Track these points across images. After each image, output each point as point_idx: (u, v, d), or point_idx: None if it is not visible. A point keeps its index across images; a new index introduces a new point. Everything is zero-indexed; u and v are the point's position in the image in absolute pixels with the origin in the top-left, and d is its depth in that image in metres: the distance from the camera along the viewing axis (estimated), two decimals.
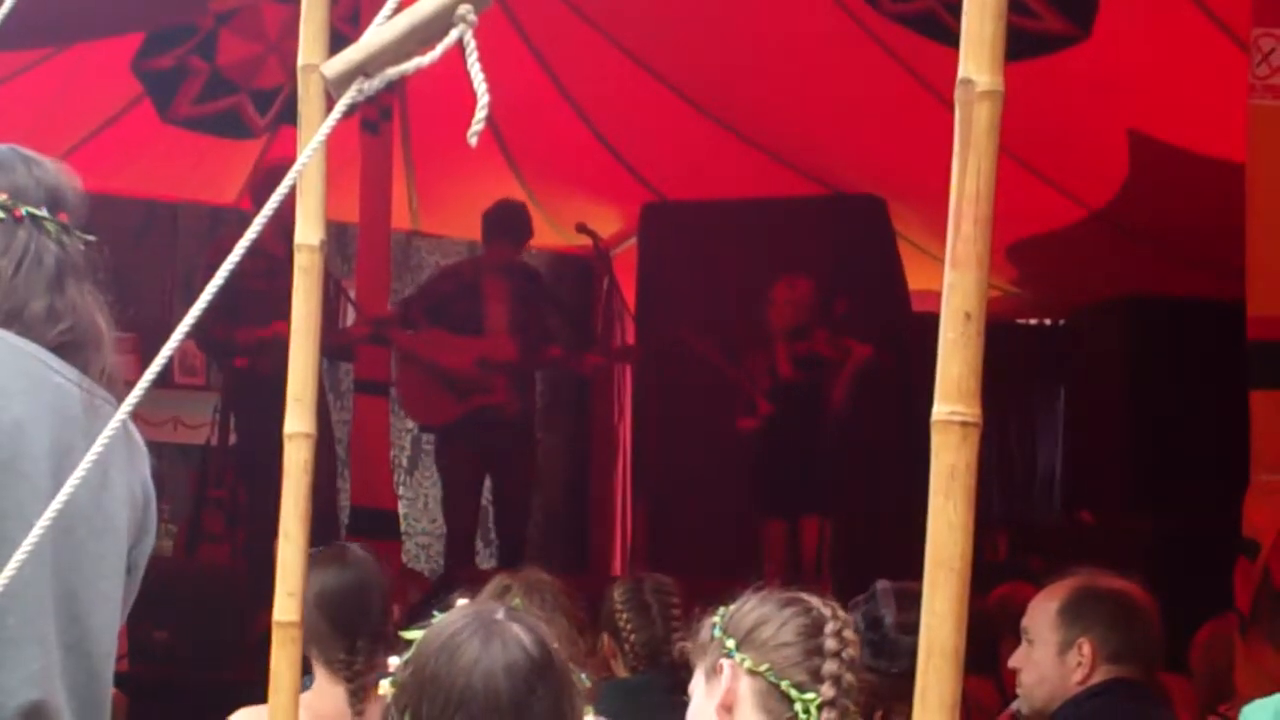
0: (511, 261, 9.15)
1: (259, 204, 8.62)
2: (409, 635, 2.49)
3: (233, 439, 8.73)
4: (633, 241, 10.54)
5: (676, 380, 9.64)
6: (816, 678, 2.77)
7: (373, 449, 8.95)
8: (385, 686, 2.47)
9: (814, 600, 2.88)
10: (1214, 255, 8.29)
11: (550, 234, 10.38)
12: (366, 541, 8.38)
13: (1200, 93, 7.55)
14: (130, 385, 1.84)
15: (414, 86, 9.18)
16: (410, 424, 12.56)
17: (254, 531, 8.03)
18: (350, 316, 9.32)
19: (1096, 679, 3.88)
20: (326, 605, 4.00)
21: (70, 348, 2.42)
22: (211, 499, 8.78)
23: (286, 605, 2.53)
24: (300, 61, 2.48)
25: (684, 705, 2.95)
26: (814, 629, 2.82)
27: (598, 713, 3.16)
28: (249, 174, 9.88)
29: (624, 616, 4.64)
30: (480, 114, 1.79)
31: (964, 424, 1.72)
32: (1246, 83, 5.74)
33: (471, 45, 1.78)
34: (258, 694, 3.90)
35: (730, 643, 2.82)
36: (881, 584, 4.01)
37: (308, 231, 2.51)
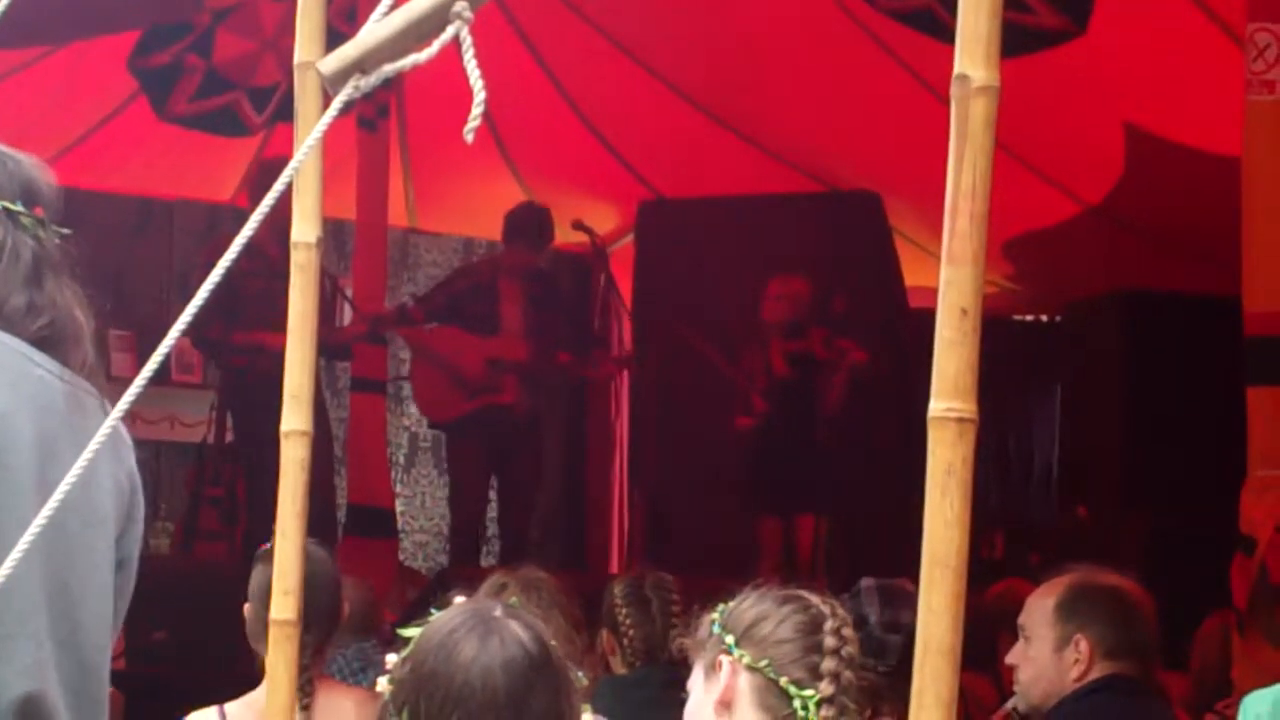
0: (530, 265, 9.14)
1: (255, 200, 8.58)
2: (406, 633, 2.49)
3: (229, 437, 8.73)
4: (629, 239, 10.54)
5: (673, 379, 9.65)
6: (815, 675, 2.77)
7: (370, 447, 8.95)
8: (383, 684, 2.47)
9: (813, 597, 2.88)
10: (1210, 250, 8.29)
11: None
12: (363, 540, 8.48)
13: (1196, 88, 7.55)
14: (117, 381, 1.84)
15: (411, 83, 9.18)
16: (407, 421, 12.57)
17: (251, 529, 8.04)
18: (347, 315, 9.32)
19: (1093, 675, 3.88)
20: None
21: (50, 341, 2.43)
22: (208, 497, 8.77)
23: (283, 603, 2.53)
24: (297, 59, 2.48)
25: (682, 702, 2.95)
26: (813, 626, 2.82)
27: (595, 709, 3.16)
28: (245, 171, 9.88)
29: (624, 612, 4.63)
30: (477, 111, 1.79)
31: (960, 420, 1.72)
32: (1242, 78, 5.74)
33: (468, 42, 1.78)
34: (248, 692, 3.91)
35: (729, 639, 2.82)
36: (865, 582, 4.01)
37: (304, 229, 2.51)
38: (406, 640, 2.47)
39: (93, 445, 1.84)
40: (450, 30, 1.78)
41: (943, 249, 1.75)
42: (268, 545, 4.27)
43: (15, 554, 1.81)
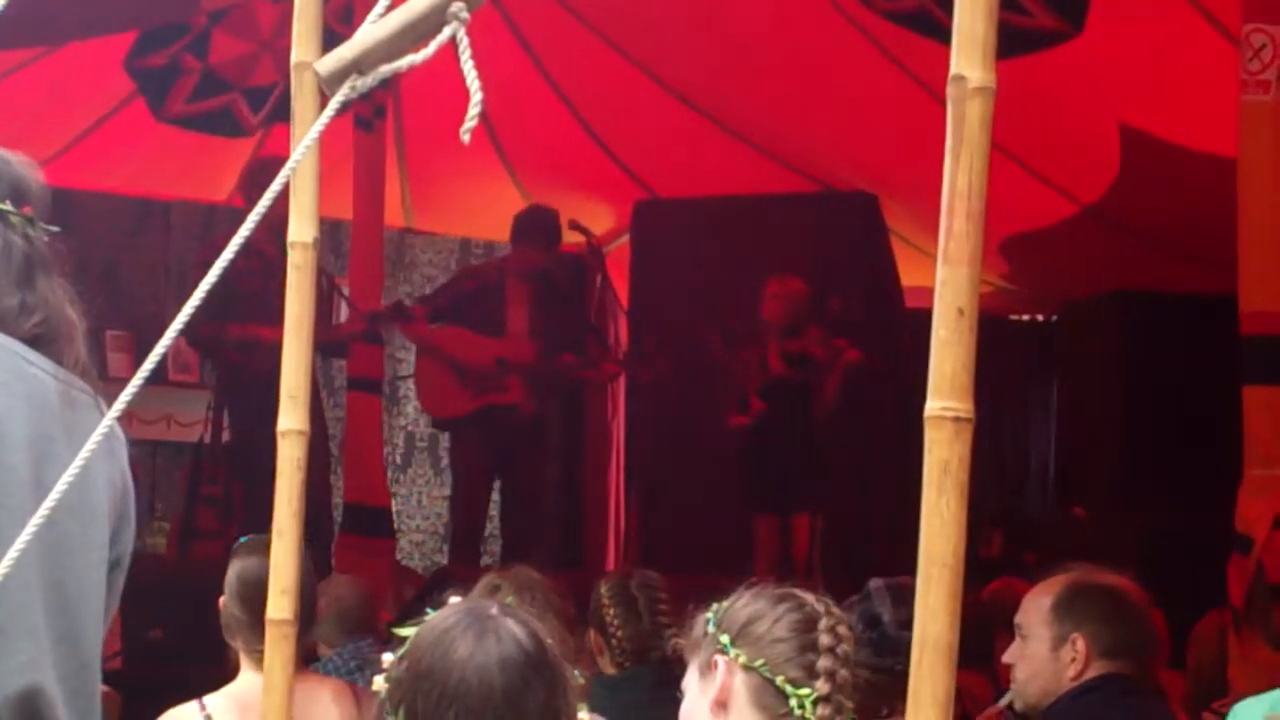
0: (538, 267, 9.16)
1: (248, 197, 8.58)
2: (402, 632, 2.49)
3: (226, 436, 8.73)
4: (625, 239, 10.54)
5: (670, 379, 9.65)
6: (811, 673, 2.78)
7: (366, 446, 8.94)
8: (379, 683, 2.47)
9: (807, 596, 2.89)
10: (1206, 250, 8.30)
11: None
12: (359, 539, 8.48)
13: (1192, 88, 7.56)
14: (114, 381, 1.84)
15: (407, 84, 9.19)
16: (404, 421, 12.57)
17: (247, 529, 8.03)
18: (344, 314, 9.32)
19: (1090, 674, 3.88)
20: (246, 595, 3.99)
21: (43, 340, 2.44)
22: (204, 496, 8.77)
23: (280, 603, 2.53)
24: (294, 59, 2.48)
25: (672, 701, 2.96)
26: (808, 625, 2.82)
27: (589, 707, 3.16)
28: (242, 172, 9.87)
29: (611, 613, 4.62)
30: (473, 111, 1.79)
31: (957, 419, 1.73)
32: (1238, 78, 5.74)
33: (465, 42, 1.78)
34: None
35: (724, 639, 2.83)
36: (875, 582, 4.02)
37: (301, 229, 2.52)
38: (402, 639, 2.47)
39: (89, 445, 1.85)
40: (447, 31, 1.79)
41: (939, 249, 1.75)
42: (244, 540, 4.28)
43: (13, 552, 1.81)
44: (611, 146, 10.13)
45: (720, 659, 2.82)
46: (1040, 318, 11.36)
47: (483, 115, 1.80)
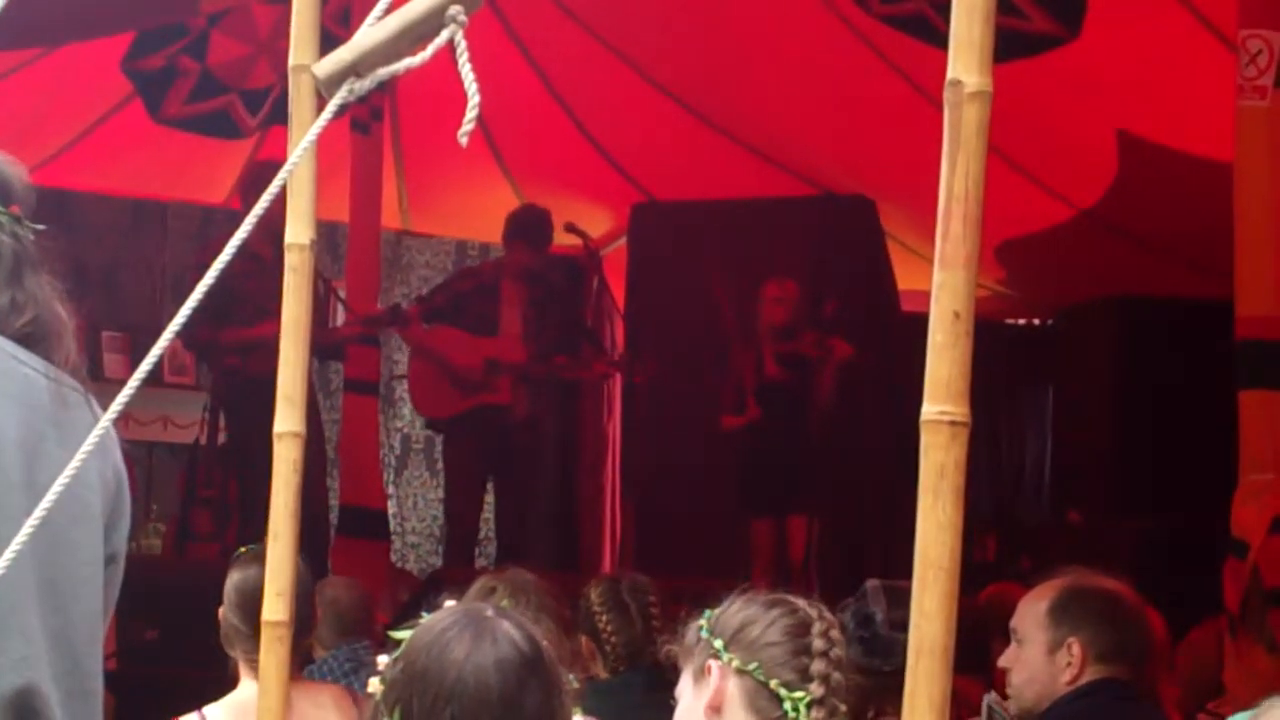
0: (532, 268, 9.17)
1: (247, 200, 8.56)
2: (398, 635, 2.49)
3: (222, 438, 8.73)
4: (622, 241, 10.55)
5: (666, 380, 9.65)
6: (805, 676, 2.78)
7: (362, 448, 8.94)
8: (374, 684, 2.47)
9: (799, 601, 2.89)
10: (1202, 255, 8.31)
11: None
12: (355, 541, 8.47)
13: (1188, 93, 7.56)
14: (110, 382, 1.84)
15: (405, 87, 9.19)
16: (400, 423, 12.57)
17: (243, 531, 8.03)
18: (340, 317, 9.32)
19: (1086, 679, 3.88)
20: (245, 605, 3.99)
21: (34, 338, 2.44)
22: (201, 498, 8.77)
23: (275, 605, 2.53)
24: (291, 62, 2.49)
25: (665, 705, 2.95)
26: (801, 628, 2.83)
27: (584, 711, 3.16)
28: (239, 174, 9.88)
29: (603, 618, 4.62)
30: (471, 114, 1.79)
31: (953, 424, 1.73)
32: (1234, 84, 5.74)
33: (462, 46, 1.79)
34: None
35: (718, 643, 2.83)
36: (872, 583, 4.02)
37: (298, 231, 2.52)
38: (398, 642, 2.48)
39: (85, 448, 1.85)
40: (445, 34, 1.79)
41: (935, 253, 1.76)
42: (245, 550, 4.27)
43: (9, 554, 1.81)
44: (608, 150, 10.14)
45: (714, 664, 2.82)
46: (1036, 322, 11.36)
47: (480, 118, 1.80)
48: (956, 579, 1.72)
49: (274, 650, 2.55)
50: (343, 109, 1.89)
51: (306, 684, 4.33)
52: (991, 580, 6.80)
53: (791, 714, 2.76)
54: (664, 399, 9.74)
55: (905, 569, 1.77)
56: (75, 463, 1.84)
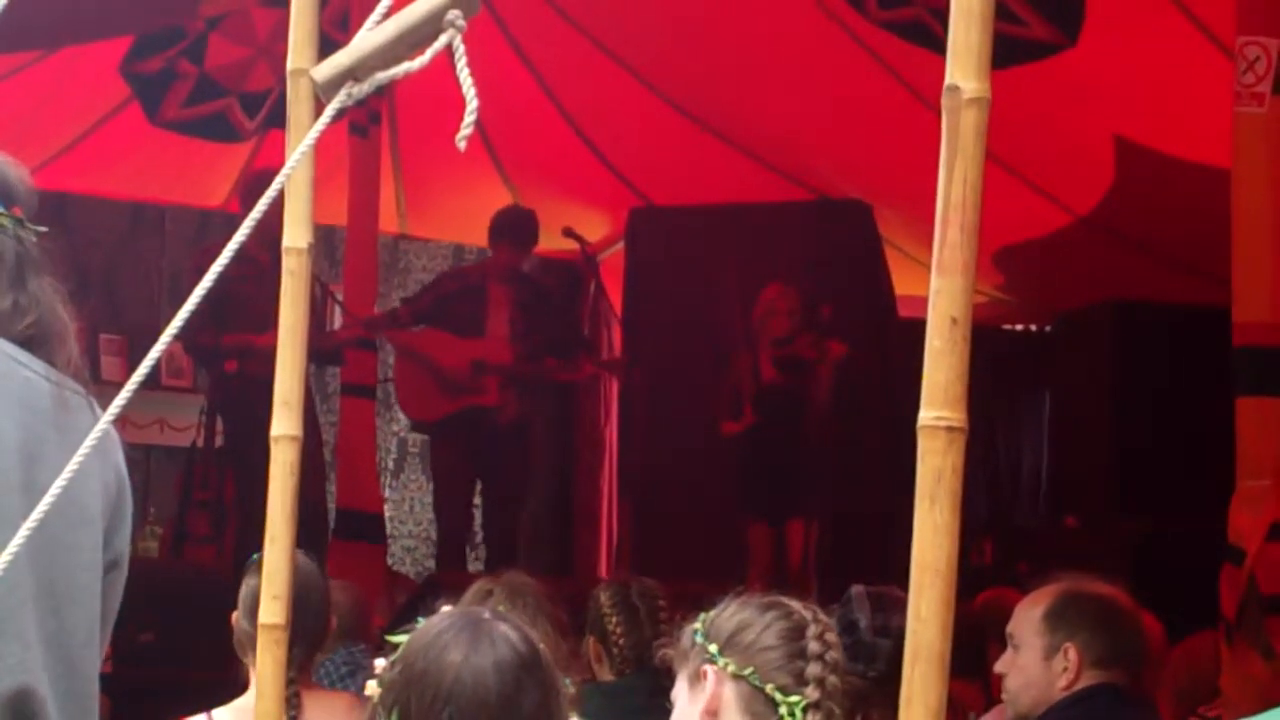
0: (517, 269, 9.17)
1: (248, 209, 8.61)
2: (395, 639, 2.49)
3: (219, 441, 8.73)
4: (619, 246, 10.54)
5: (663, 384, 9.65)
6: (800, 680, 2.78)
7: (359, 452, 8.94)
8: (372, 687, 2.47)
9: (794, 604, 2.89)
10: (1200, 261, 8.31)
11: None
12: (352, 544, 8.47)
13: (1186, 100, 7.56)
14: (108, 385, 1.84)
15: (403, 91, 9.18)
16: (396, 427, 12.57)
17: (240, 534, 8.03)
18: (338, 321, 9.32)
19: (1082, 684, 3.89)
20: (257, 611, 3.99)
21: (36, 341, 2.43)
22: (197, 501, 8.77)
23: (272, 608, 2.53)
24: (290, 66, 2.49)
25: (668, 710, 2.96)
26: (796, 632, 2.83)
27: (582, 715, 3.16)
28: (237, 177, 9.88)
29: (612, 620, 4.63)
30: (469, 119, 1.80)
31: (950, 429, 1.73)
32: (1232, 91, 5.75)
33: (460, 50, 1.79)
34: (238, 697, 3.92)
35: (713, 648, 2.83)
36: (856, 589, 4.03)
37: (296, 234, 2.52)
38: (395, 646, 2.48)
39: (82, 450, 1.85)
40: (443, 39, 1.79)
41: (933, 258, 1.76)
42: (256, 556, 4.28)
43: (5, 556, 1.81)
44: (606, 154, 10.14)
45: (709, 668, 2.82)
46: (1034, 328, 11.36)
47: (478, 123, 1.80)
48: (953, 583, 1.72)
49: (271, 653, 2.55)
50: (341, 113, 1.89)
51: (321, 691, 4.34)
52: (988, 585, 6.80)
53: (788, 718, 2.76)
54: (662, 403, 9.74)
55: (902, 573, 1.77)
56: (73, 465, 1.84)
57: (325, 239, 10.32)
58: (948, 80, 1.75)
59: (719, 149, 9.68)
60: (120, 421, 1.99)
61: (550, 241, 9.58)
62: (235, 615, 4.17)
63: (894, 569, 2.35)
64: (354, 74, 1.84)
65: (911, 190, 7.13)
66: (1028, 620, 3.97)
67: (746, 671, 2.79)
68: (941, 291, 1.74)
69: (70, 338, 2.49)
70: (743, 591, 2.94)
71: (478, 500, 9.68)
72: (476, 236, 11.45)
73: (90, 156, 9.63)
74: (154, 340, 1.81)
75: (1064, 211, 9.15)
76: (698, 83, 9.20)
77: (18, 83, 8.58)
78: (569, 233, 9.37)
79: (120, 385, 1.82)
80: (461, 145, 1.81)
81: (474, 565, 9.99)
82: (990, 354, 9.22)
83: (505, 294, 9.07)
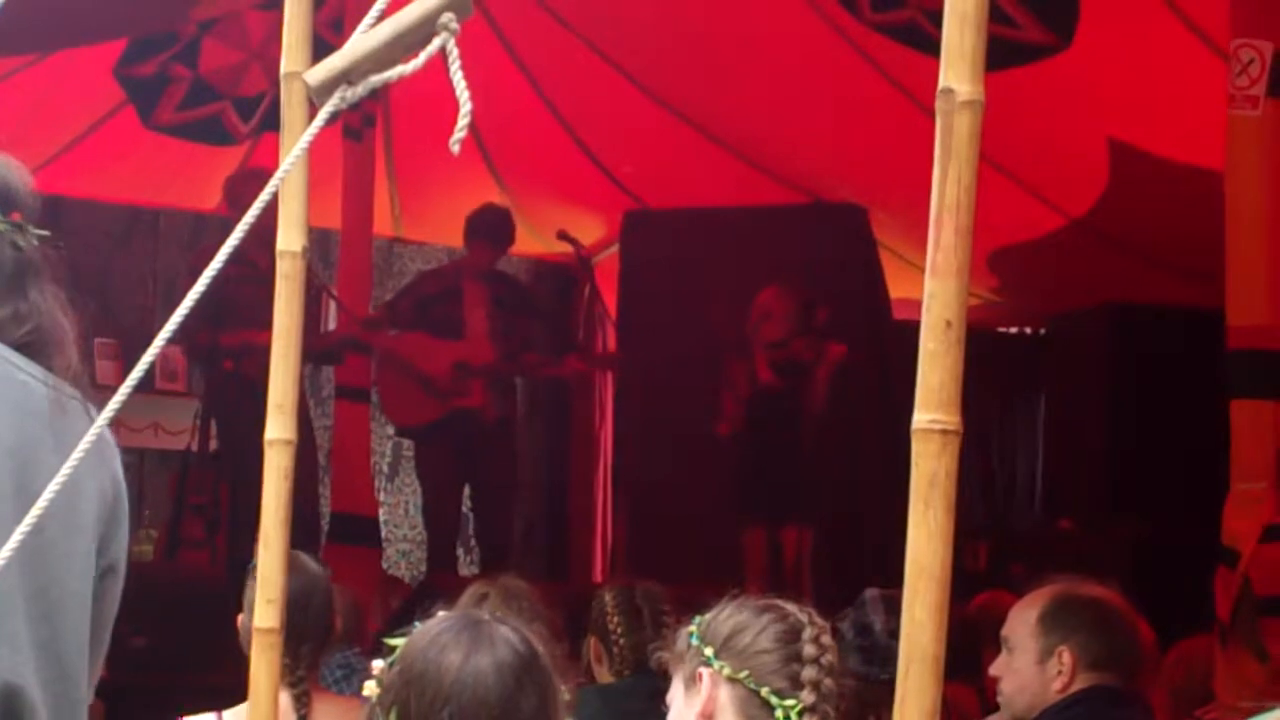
0: (492, 267, 9.19)
1: (234, 206, 8.52)
2: (393, 642, 2.49)
3: (213, 445, 8.72)
4: (614, 249, 10.54)
5: (658, 386, 9.65)
6: (796, 684, 2.78)
7: (353, 455, 8.93)
8: (370, 688, 2.47)
9: (790, 607, 2.89)
10: (1194, 264, 8.31)
11: (532, 241, 10.39)
12: (346, 548, 8.47)
13: (1180, 103, 7.57)
14: (102, 389, 1.84)
15: (397, 94, 9.18)
16: (391, 430, 12.56)
17: (234, 537, 8.02)
18: (334, 323, 9.31)
19: (1076, 687, 3.89)
20: None
21: (34, 347, 2.43)
22: (191, 505, 8.76)
23: (266, 612, 2.53)
24: (283, 69, 2.48)
25: (666, 713, 2.95)
26: (792, 635, 2.83)
27: (581, 718, 3.17)
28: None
29: (615, 621, 4.63)
30: (463, 122, 1.79)
31: (944, 432, 1.73)
32: (1226, 93, 5.75)
33: (454, 53, 1.79)
34: (237, 700, 3.92)
35: (708, 651, 2.83)
36: (870, 592, 4.03)
37: (290, 238, 2.51)
38: (392, 648, 2.48)
39: (75, 456, 1.84)
40: (436, 42, 1.79)
41: (927, 261, 1.76)
42: None
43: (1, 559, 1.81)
44: (600, 157, 10.14)
45: (705, 671, 2.82)
46: (1028, 331, 11.37)
47: (472, 126, 1.80)
48: (947, 587, 1.72)
49: (264, 657, 2.54)
50: (335, 116, 1.89)
51: (329, 694, 4.34)
52: (983, 588, 6.80)
53: None
54: (656, 406, 9.74)
55: (898, 577, 1.77)
56: (66, 470, 1.83)
57: (319, 242, 10.32)
58: (941, 83, 1.75)
59: (713, 152, 9.68)
60: (114, 425, 1.99)
61: (545, 244, 9.59)
62: (240, 618, 4.16)
63: (888, 573, 2.35)
64: (348, 77, 1.84)
65: (905, 193, 7.14)
66: (1022, 623, 3.97)
67: (742, 674, 2.79)
68: (936, 294, 1.74)
69: (70, 344, 2.48)
70: (739, 594, 2.94)
71: (469, 504, 9.66)
72: None
73: (85, 160, 9.62)
74: (148, 344, 1.80)
75: (1058, 214, 9.16)
76: (692, 86, 9.20)
77: (12, 86, 8.58)
78: (564, 236, 9.37)
79: (114, 389, 1.82)
80: (455, 148, 1.81)
81: (469, 569, 9.98)
82: (985, 357, 9.21)
83: (481, 292, 9.06)
